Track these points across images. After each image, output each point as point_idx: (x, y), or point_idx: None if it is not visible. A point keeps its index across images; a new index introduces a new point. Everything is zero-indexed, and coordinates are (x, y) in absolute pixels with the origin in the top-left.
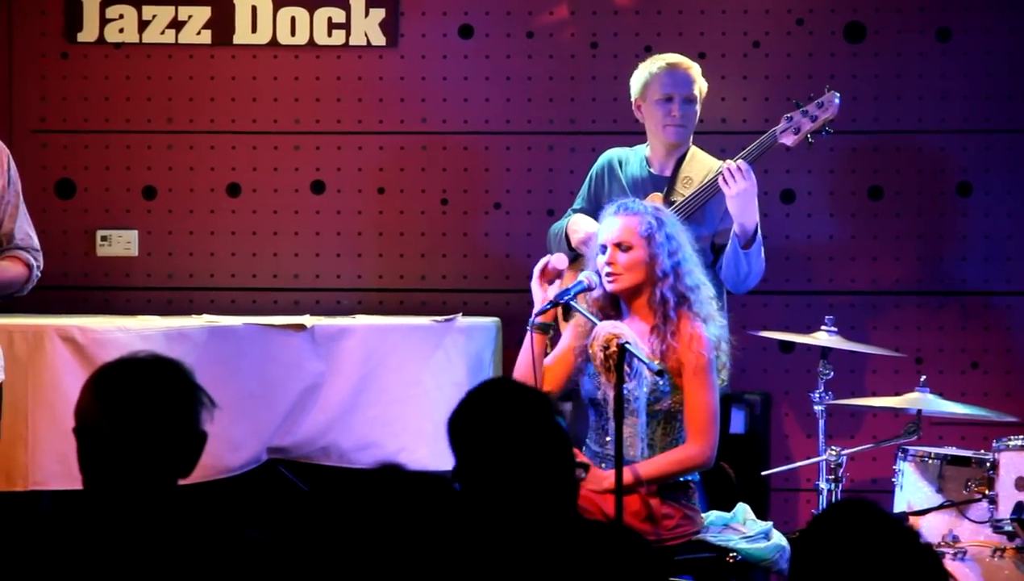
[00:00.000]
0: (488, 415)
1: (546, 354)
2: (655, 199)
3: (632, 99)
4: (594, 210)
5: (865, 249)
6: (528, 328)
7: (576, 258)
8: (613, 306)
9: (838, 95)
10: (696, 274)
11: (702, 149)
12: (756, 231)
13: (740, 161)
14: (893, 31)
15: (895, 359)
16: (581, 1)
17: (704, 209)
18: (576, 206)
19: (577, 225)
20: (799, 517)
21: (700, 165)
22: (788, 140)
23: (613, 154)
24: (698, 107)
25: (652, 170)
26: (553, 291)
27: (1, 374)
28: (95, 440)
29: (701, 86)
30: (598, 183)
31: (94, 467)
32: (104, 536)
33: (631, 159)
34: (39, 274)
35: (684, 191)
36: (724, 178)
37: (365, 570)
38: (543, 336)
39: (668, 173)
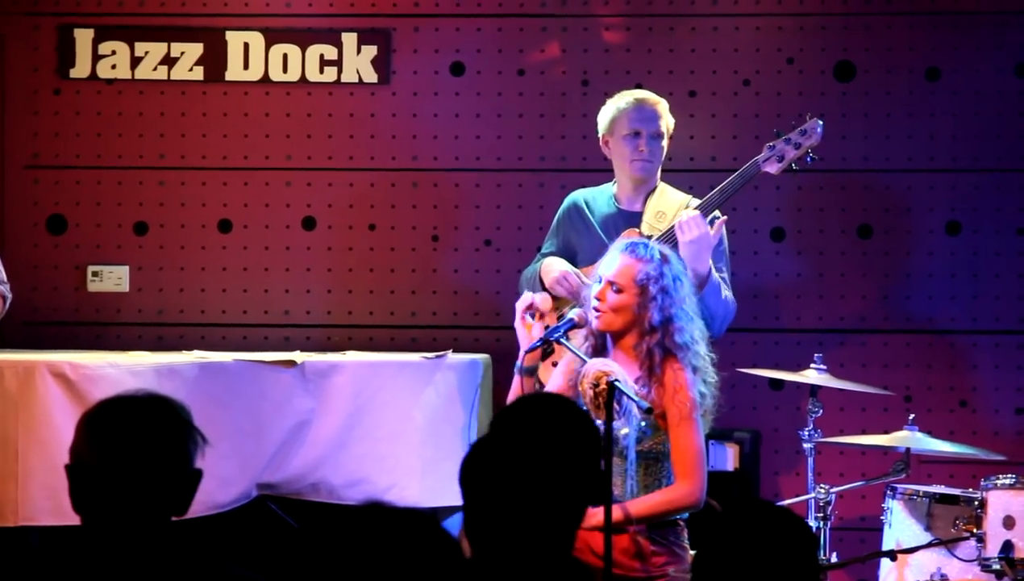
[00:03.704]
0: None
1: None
2: (631, 234)
3: (599, 135)
4: (563, 252)
5: (854, 287)
6: (516, 372)
7: (554, 299)
8: (599, 339)
9: (820, 122)
10: (689, 331)
11: (691, 188)
12: (709, 275)
13: (696, 213)
14: (882, 70)
15: (884, 397)
16: (572, 39)
17: None
18: (545, 250)
19: (550, 266)
20: None
21: (671, 200)
22: (772, 168)
23: (578, 195)
24: (665, 143)
25: (621, 206)
26: (538, 331)
27: None
28: (88, 478)
29: (668, 122)
30: (567, 225)
31: (87, 505)
32: (96, 573)
33: (598, 198)
34: (7, 305)
35: (658, 225)
36: (680, 226)
37: None
38: (530, 379)
39: (638, 208)
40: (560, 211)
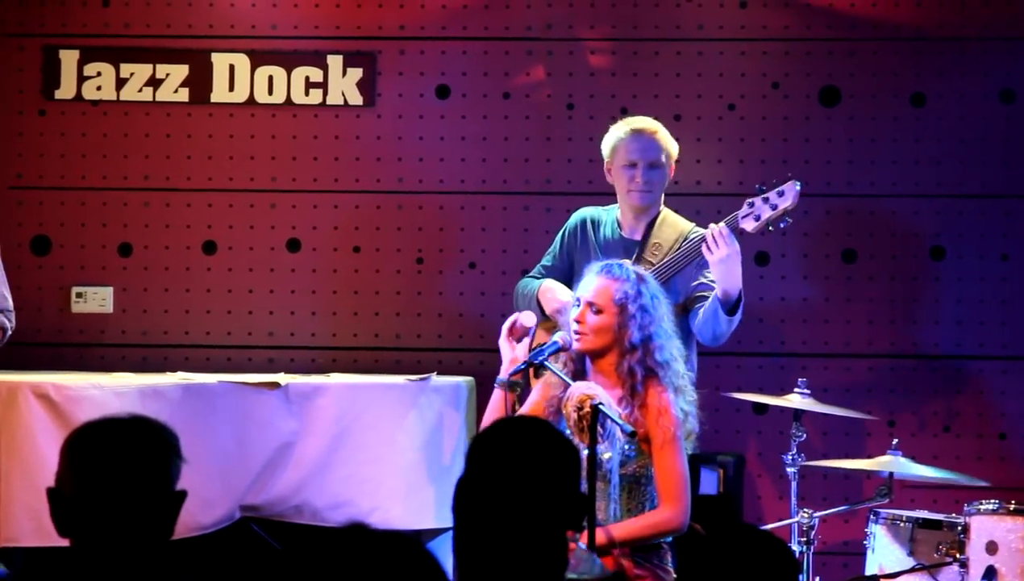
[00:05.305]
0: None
1: (515, 410)
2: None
3: (604, 162)
4: (564, 267)
5: (838, 312)
6: (497, 386)
7: (545, 318)
8: (578, 362)
9: (799, 184)
10: (669, 349)
11: (676, 211)
12: (740, 298)
13: (722, 226)
14: (868, 96)
15: (868, 422)
16: (557, 62)
17: (677, 276)
18: (546, 262)
19: (551, 293)
20: None
21: (670, 230)
22: (748, 226)
23: (587, 213)
24: (667, 170)
25: (623, 233)
26: (522, 350)
27: None
28: (70, 502)
29: (669, 150)
30: (571, 241)
31: (69, 529)
32: None
33: (604, 220)
34: (9, 336)
35: (652, 258)
36: (707, 244)
37: None
38: (511, 394)
39: (639, 237)
40: (566, 226)
